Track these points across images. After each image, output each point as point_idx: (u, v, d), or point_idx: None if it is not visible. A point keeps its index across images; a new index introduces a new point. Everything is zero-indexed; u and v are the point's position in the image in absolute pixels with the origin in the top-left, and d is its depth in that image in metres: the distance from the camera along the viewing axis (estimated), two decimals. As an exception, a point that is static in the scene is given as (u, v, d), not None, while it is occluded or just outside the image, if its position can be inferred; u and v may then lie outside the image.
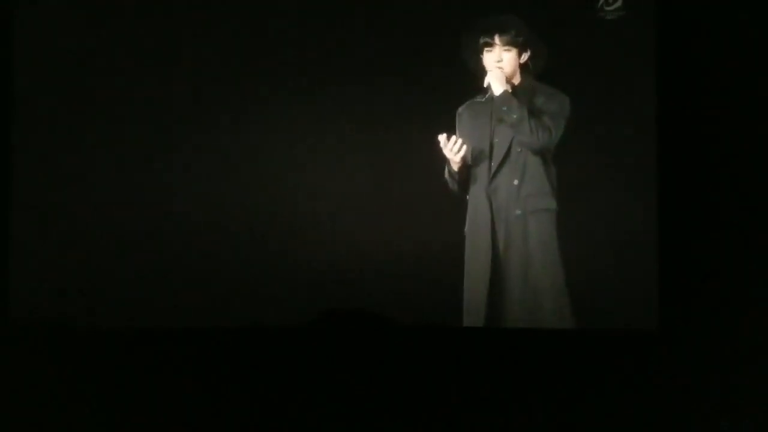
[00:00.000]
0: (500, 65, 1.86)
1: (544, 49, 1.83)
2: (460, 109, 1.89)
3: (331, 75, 1.84)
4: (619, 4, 1.81)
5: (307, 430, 1.78)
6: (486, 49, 1.85)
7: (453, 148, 1.84)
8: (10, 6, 1.83)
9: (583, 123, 1.81)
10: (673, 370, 1.78)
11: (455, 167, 1.86)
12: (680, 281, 1.77)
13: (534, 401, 1.79)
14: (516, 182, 1.86)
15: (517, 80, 1.86)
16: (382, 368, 1.80)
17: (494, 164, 1.88)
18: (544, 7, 1.82)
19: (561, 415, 1.78)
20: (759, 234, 1.79)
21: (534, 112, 1.85)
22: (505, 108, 1.86)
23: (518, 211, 1.85)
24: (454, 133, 1.85)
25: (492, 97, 1.88)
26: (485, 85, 1.86)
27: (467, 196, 1.88)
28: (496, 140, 1.88)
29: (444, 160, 1.85)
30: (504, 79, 1.86)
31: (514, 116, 1.85)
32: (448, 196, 1.86)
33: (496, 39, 1.85)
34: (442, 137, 1.83)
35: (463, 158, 1.85)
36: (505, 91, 1.86)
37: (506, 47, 1.85)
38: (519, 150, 1.86)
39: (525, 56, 1.86)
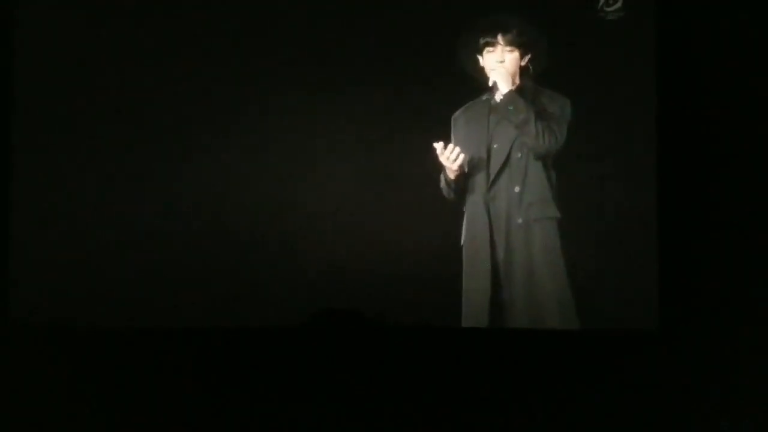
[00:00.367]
0: (503, 65, 1.83)
1: (545, 49, 1.81)
2: (455, 114, 1.84)
3: (333, 77, 1.83)
4: (619, 4, 1.81)
5: (306, 430, 1.78)
6: (487, 49, 1.83)
7: (450, 156, 1.80)
8: (10, 6, 1.83)
9: (583, 123, 1.80)
10: (673, 370, 1.78)
11: (452, 175, 1.81)
12: (680, 281, 1.77)
13: (534, 401, 1.79)
14: (517, 189, 1.81)
15: (517, 82, 1.84)
16: (382, 368, 1.80)
17: (492, 171, 1.83)
18: (543, 7, 1.81)
19: (561, 415, 1.78)
20: (759, 234, 1.79)
21: (540, 114, 1.81)
22: (511, 107, 1.82)
23: (520, 220, 1.81)
24: (450, 140, 1.81)
25: (490, 99, 1.85)
26: (490, 84, 1.83)
27: (464, 206, 1.83)
28: (494, 145, 1.84)
29: (440, 168, 1.82)
30: (510, 78, 1.83)
31: (521, 117, 1.81)
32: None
33: (499, 38, 1.82)
34: (438, 145, 1.80)
35: (461, 166, 1.81)
36: (511, 91, 1.83)
37: (509, 48, 1.82)
38: (519, 155, 1.82)
39: (526, 58, 1.83)
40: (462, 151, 1.80)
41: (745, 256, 1.79)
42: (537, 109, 1.81)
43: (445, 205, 1.83)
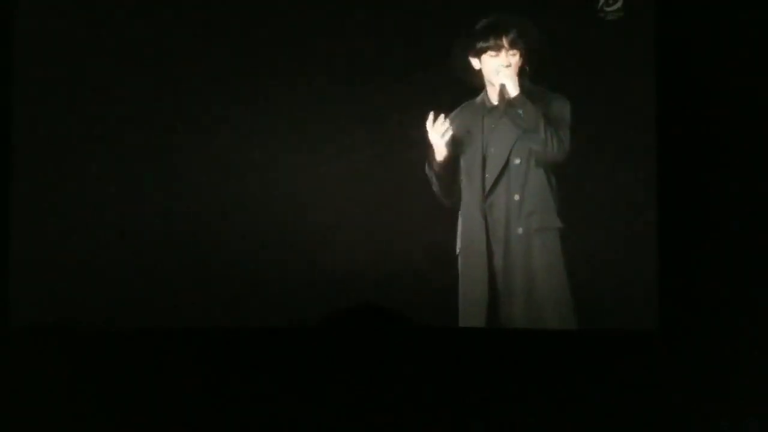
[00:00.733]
0: (510, 69, 1.78)
1: (545, 49, 1.78)
2: (450, 116, 1.80)
3: (334, 77, 1.83)
4: (619, 4, 1.81)
5: (305, 430, 1.78)
6: (489, 53, 1.79)
7: (440, 130, 1.75)
8: (10, 6, 1.83)
9: (583, 124, 1.79)
10: (673, 370, 1.78)
11: (440, 156, 1.76)
12: (680, 281, 1.77)
13: (534, 401, 1.78)
14: (517, 198, 1.76)
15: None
16: (381, 369, 1.80)
17: (489, 178, 1.78)
18: (543, 7, 1.80)
19: (561, 415, 1.78)
20: (759, 234, 1.79)
21: (547, 119, 1.76)
22: (521, 111, 1.76)
23: (520, 230, 1.76)
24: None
25: (485, 101, 1.81)
26: (497, 88, 1.78)
27: (459, 213, 1.79)
28: (491, 150, 1.79)
29: (428, 150, 1.76)
30: (517, 80, 1.77)
31: (531, 122, 1.75)
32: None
33: (504, 41, 1.78)
34: (428, 119, 1.76)
35: (448, 145, 1.75)
36: (520, 94, 1.77)
37: (512, 50, 1.78)
38: (518, 161, 1.77)
39: (525, 59, 1.79)
40: (455, 154, 1.75)
41: (745, 256, 1.79)
42: (543, 111, 1.77)
43: (442, 210, 1.79)
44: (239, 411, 1.79)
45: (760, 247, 1.79)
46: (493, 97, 1.82)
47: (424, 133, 1.79)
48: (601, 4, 1.81)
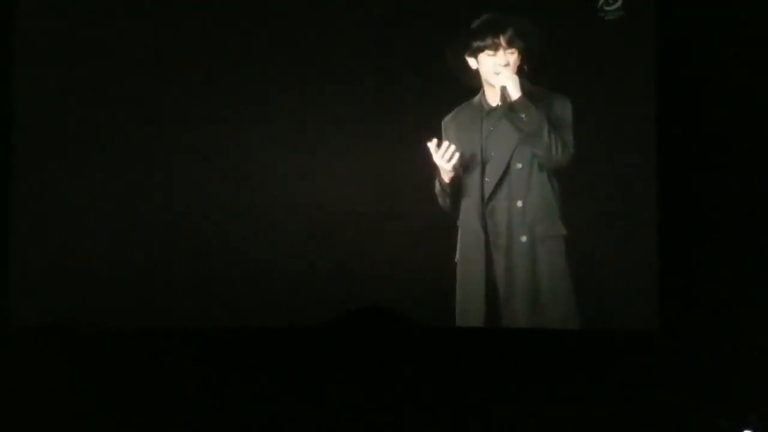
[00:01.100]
0: (509, 68, 1.72)
1: (545, 49, 1.75)
2: (445, 120, 1.76)
3: (334, 78, 1.83)
4: (619, 4, 1.80)
5: (305, 430, 1.78)
6: (487, 52, 1.73)
7: (444, 156, 1.69)
8: (10, 6, 1.83)
9: (582, 123, 1.78)
10: (674, 369, 1.78)
11: (447, 178, 1.70)
12: (680, 281, 1.77)
13: (535, 401, 1.78)
14: (520, 204, 1.70)
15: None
16: (381, 369, 1.80)
17: (489, 182, 1.72)
18: (543, 7, 1.79)
19: (561, 415, 1.78)
20: (759, 234, 1.79)
21: (550, 122, 1.70)
22: (523, 115, 1.70)
23: (524, 238, 1.70)
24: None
25: (482, 103, 1.76)
26: (498, 90, 1.73)
27: (457, 221, 1.75)
28: (491, 154, 1.73)
29: (435, 171, 1.72)
30: (518, 82, 1.71)
31: (534, 126, 1.69)
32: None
33: (501, 40, 1.73)
34: (431, 144, 1.71)
35: (456, 167, 1.69)
36: (522, 96, 1.70)
37: (511, 49, 1.73)
38: (520, 166, 1.71)
39: (524, 58, 1.74)
40: (456, 152, 1.70)
41: (745, 256, 1.79)
42: (546, 113, 1.72)
43: (443, 215, 1.76)
44: (239, 411, 1.79)
45: (760, 247, 1.79)
46: (492, 99, 1.77)
47: (424, 134, 1.76)
48: (600, 3, 1.81)
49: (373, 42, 1.83)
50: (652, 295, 1.75)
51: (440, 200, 1.74)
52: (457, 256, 1.75)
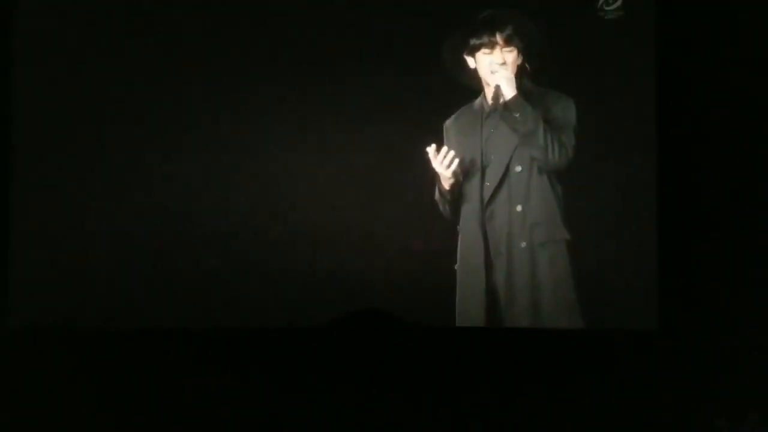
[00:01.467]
0: (505, 67, 1.68)
1: (544, 46, 1.72)
2: (447, 123, 1.73)
3: (333, 78, 1.82)
4: (619, 3, 1.79)
5: (304, 429, 1.78)
6: (483, 50, 1.70)
7: (444, 162, 1.65)
8: (10, 6, 1.83)
9: (581, 124, 1.77)
10: (673, 369, 1.78)
11: (447, 185, 1.66)
12: (680, 281, 1.77)
13: (534, 401, 1.78)
14: (519, 208, 1.66)
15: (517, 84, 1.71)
16: (380, 370, 1.80)
17: (489, 187, 1.68)
18: (543, 7, 1.78)
19: (561, 415, 1.78)
20: (759, 234, 1.79)
21: (548, 122, 1.66)
22: (518, 115, 1.65)
23: (523, 244, 1.66)
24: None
25: (483, 105, 1.72)
26: (492, 89, 1.69)
27: (457, 227, 1.71)
28: (491, 157, 1.69)
29: (435, 177, 1.68)
30: (514, 81, 1.66)
31: (529, 126, 1.65)
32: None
33: (498, 37, 1.69)
34: (430, 150, 1.67)
35: (456, 173, 1.66)
36: (517, 95, 1.66)
37: (508, 48, 1.70)
38: (519, 169, 1.67)
39: (522, 56, 1.71)
40: (456, 158, 1.66)
41: (745, 256, 1.79)
42: (543, 114, 1.68)
43: (442, 221, 1.73)
44: (239, 411, 1.79)
45: (760, 247, 1.79)
46: (491, 99, 1.74)
47: (424, 135, 1.75)
48: (600, 3, 1.80)
49: (373, 42, 1.82)
50: (652, 295, 1.74)
51: (440, 207, 1.70)
52: (457, 263, 1.72)
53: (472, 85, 1.76)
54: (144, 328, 1.80)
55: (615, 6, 1.80)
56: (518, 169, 1.68)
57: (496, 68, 1.69)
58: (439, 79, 1.75)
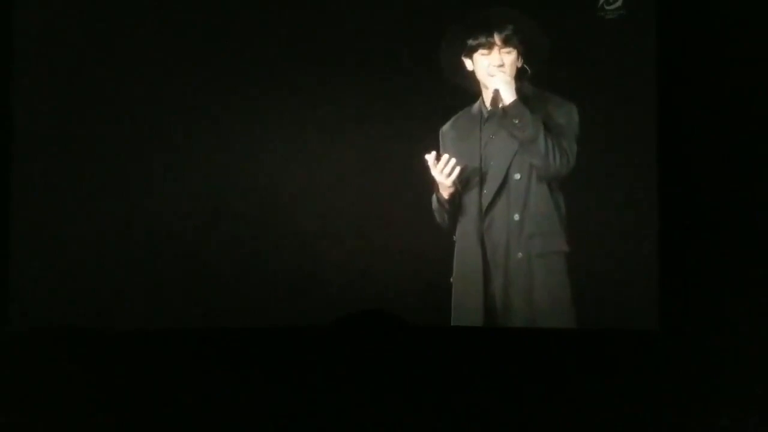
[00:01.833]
0: (503, 69, 1.62)
1: (545, 47, 1.67)
2: (443, 129, 1.68)
3: (335, 80, 1.82)
4: (619, 3, 1.79)
5: (304, 429, 1.78)
6: (480, 51, 1.64)
7: (444, 170, 1.59)
8: (9, 6, 1.83)
9: (583, 129, 1.75)
10: (674, 369, 1.78)
11: (446, 193, 1.61)
12: (680, 281, 1.77)
13: (534, 401, 1.78)
14: (517, 217, 1.61)
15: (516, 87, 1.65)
16: (381, 368, 1.80)
17: (487, 195, 1.62)
18: (543, 6, 1.76)
19: (561, 415, 1.78)
20: (759, 234, 1.79)
21: (548, 128, 1.61)
22: (517, 121, 1.59)
23: (520, 254, 1.61)
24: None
25: (481, 109, 1.66)
26: (491, 92, 1.64)
27: (454, 236, 1.66)
28: (491, 163, 1.63)
29: (433, 185, 1.63)
30: (512, 84, 1.60)
31: (529, 132, 1.58)
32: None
33: (496, 38, 1.63)
34: (430, 157, 1.62)
35: (455, 182, 1.60)
36: (517, 100, 1.60)
37: (507, 49, 1.64)
38: (518, 176, 1.62)
39: (522, 59, 1.65)
40: (456, 166, 1.60)
41: (744, 256, 1.79)
42: (544, 119, 1.62)
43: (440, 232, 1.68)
44: (239, 411, 1.79)
45: (760, 248, 1.79)
46: (489, 103, 1.68)
47: (423, 136, 1.73)
48: (601, 3, 1.79)
49: (372, 43, 1.82)
50: (652, 295, 1.74)
51: (437, 216, 1.65)
52: (453, 275, 1.66)
53: (472, 88, 1.71)
54: (144, 329, 1.80)
55: (615, 6, 1.79)
56: (517, 176, 1.63)
57: (494, 71, 1.64)
58: (438, 81, 1.71)
